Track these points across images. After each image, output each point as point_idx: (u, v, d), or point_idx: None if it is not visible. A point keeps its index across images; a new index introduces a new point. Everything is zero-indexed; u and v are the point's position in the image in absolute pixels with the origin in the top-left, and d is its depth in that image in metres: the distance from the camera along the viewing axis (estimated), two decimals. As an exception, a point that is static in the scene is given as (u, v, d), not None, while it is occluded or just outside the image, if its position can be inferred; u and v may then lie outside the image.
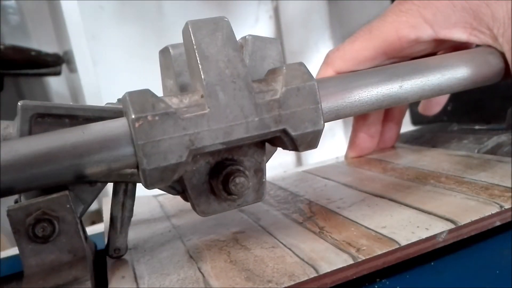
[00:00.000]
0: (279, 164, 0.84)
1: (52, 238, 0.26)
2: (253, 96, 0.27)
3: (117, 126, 0.26)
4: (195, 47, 0.27)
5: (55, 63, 0.86)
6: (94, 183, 0.30)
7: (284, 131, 0.28)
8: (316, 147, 0.30)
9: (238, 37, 0.32)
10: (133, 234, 0.37)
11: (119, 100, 0.30)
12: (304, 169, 0.53)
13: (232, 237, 0.33)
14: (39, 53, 0.83)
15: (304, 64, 0.29)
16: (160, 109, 0.25)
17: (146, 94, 0.25)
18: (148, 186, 0.26)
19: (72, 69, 0.87)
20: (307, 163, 0.88)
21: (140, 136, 0.24)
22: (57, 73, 0.87)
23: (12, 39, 0.88)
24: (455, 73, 0.38)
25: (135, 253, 0.33)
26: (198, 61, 0.26)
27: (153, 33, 0.90)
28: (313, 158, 0.90)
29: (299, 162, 0.97)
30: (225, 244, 0.32)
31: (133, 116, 0.24)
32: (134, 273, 0.29)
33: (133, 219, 0.42)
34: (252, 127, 0.27)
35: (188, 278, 0.27)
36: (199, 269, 0.28)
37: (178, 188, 0.32)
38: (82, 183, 0.29)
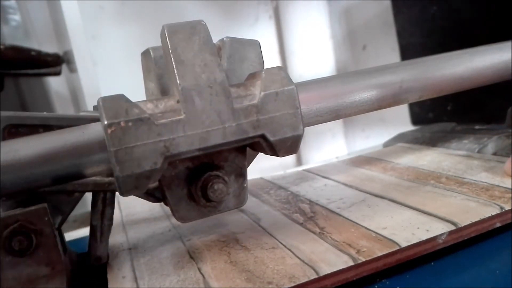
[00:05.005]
0: (279, 164, 0.84)
1: (29, 252, 0.25)
2: (231, 101, 0.26)
3: (91, 132, 0.25)
4: (170, 51, 0.26)
5: (55, 63, 0.85)
6: (71, 194, 0.29)
7: (263, 136, 0.27)
8: (296, 152, 0.29)
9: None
10: (133, 233, 0.37)
11: (95, 107, 0.29)
12: (305, 167, 0.53)
13: (233, 238, 0.33)
14: (39, 53, 0.83)
15: (284, 68, 0.28)
16: (133, 115, 0.24)
17: (120, 99, 0.24)
18: (123, 193, 0.25)
19: (72, 69, 0.87)
20: (307, 163, 0.88)
21: (113, 143, 0.23)
22: (57, 73, 0.87)
23: (12, 39, 0.88)
24: (455, 72, 0.37)
25: (135, 253, 0.33)
26: (174, 65, 0.26)
27: (153, 33, 0.90)
28: (314, 158, 0.90)
29: (299, 162, 0.97)
30: (225, 244, 0.32)
31: (105, 122, 0.24)
32: (134, 274, 0.29)
33: (133, 218, 0.42)
34: (229, 133, 0.26)
35: (188, 279, 0.27)
36: (199, 270, 0.28)
37: (157, 195, 0.31)
38: (60, 194, 0.29)
